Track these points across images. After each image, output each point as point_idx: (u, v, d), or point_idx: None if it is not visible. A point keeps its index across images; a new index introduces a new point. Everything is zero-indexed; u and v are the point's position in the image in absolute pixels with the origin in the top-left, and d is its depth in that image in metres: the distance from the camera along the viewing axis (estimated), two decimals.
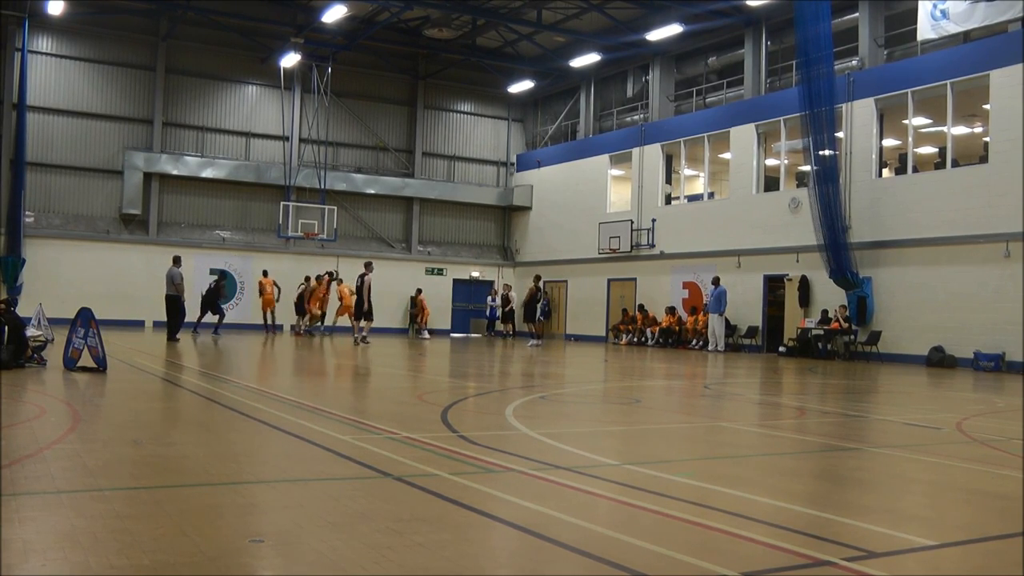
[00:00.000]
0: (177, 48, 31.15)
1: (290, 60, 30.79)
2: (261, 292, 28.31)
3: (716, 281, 25.77)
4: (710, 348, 25.64)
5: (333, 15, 27.25)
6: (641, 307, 29.48)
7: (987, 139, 21.21)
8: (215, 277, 26.62)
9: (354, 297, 22.58)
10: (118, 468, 5.35)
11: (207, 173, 31.19)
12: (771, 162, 27.04)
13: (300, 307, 27.83)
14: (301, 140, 32.85)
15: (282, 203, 31.63)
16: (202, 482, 5.01)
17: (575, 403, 10.78)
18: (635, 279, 30.34)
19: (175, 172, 30.80)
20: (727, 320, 25.80)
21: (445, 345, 25.27)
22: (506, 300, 30.26)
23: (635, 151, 30.47)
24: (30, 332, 12.32)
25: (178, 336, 20.40)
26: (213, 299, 24.52)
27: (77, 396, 9.14)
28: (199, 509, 4.32)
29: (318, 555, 3.56)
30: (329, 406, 8.86)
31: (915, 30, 22.02)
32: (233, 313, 29.18)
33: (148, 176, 30.40)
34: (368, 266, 22.15)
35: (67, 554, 3.46)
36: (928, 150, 25.72)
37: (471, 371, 15.52)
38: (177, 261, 21.43)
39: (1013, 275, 19.38)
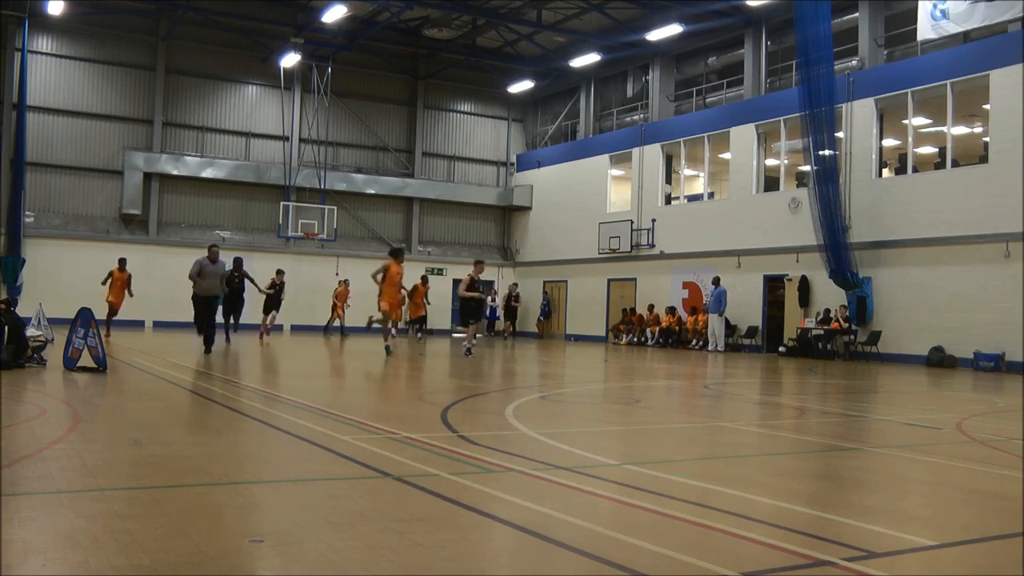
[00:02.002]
0: (177, 48, 31.15)
1: (290, 60, 30.79)
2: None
3: (716, 281, 25.77)
4: (710, 348, 25.64)
5: (333, 15, 27.25)
6: (632, 310, 29.52)
7: (987, 139, 21.21)
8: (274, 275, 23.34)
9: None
10: (118, 468, 5.35)
11: (207, 173, 31.20)
12: (771, 162, 27.04)
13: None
14: (301, 140, 32.85)
15: (282, 203, 31.64)
16: (202, 482, 5.00)
17: (575, 403, 10.78)
18: (635, 279, 30.34)
19: (175, 172, 30.82)
20: (727, 320, 25.80)
21: (445, 345, 25.24)
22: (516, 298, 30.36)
23: (635, 151, 30.47)
24: (30, 332, 12.31)
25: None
26: (277, 298, 22.47)
27: (77, 396, 9.14)
28: (199, 509, 4.32)
29: (318, 555, 3.55)
30: (329, 406, 8.85)
31: (915, 30, 22.02)
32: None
33: (148, 176, 30.41)
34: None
35: (67, 554, 3.46)
36: (928, 150, 25.70)
37: (471, 371, 15.51)
38: (213, 252, 16.73)
39: (1013, 275, 19.38)
